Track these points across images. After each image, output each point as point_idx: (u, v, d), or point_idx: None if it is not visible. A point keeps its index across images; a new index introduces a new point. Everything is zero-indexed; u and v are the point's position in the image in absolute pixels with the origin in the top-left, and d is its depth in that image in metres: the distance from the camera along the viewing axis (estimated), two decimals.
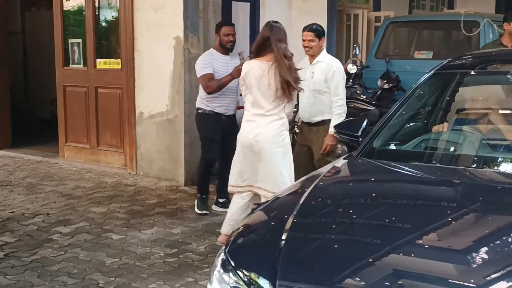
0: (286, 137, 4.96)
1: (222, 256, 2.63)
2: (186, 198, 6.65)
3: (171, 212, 6.11)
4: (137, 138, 7.64)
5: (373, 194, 3.07)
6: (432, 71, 3.84)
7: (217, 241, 5.14)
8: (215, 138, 5.99)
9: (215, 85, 5.80)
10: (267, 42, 4.85)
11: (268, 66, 4.81)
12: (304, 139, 5.67)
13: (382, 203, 2.97)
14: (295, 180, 4.33)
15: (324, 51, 5.55)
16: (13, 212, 6.09)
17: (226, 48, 6.04)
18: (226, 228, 5.08)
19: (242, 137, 5.00)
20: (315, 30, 5.48)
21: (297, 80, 4.85)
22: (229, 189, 5.17)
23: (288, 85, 4.79)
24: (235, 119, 6.19)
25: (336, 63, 5.50)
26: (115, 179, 7.47)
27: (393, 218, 2.78)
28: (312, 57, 5.51)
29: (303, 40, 5.47)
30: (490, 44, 7.29)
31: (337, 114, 5.42)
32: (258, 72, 4.85)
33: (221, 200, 6.25)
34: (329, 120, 5.47)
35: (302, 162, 5.55)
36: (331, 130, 5.33)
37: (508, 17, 6.75)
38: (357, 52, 8.52)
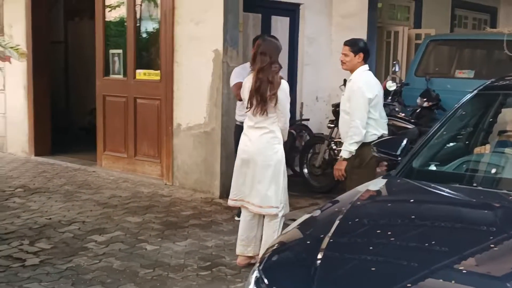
0: (279, 152, 4.86)
1: (256, 273, 2.61)
2: (221, 211, 6.64)
3: (205, 225, 6.11)
4: (174, 149, 7.68)
5: (412, 216, 3.01)
6: (475, 91, 3.77)
7: (237, 263, 5.05)
8: None
9: None
10: (255, 55, 4.89)
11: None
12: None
13: (420, 225, 2.91)
14: None
15: (360, 69, 5.19)
16: (50, 219, 6.17)
17: None
18: (239, 248, 5.03)
19: (238, 149, 5.02)
20: (350, 44, 5.23)
21: (258, 95, 4.75)
22: (228, 202, 5.17)
23: (257, 98, 4.76)
24: None
25: (358, 82, 5.10)
26: (151, 189, 7.52)
27: (431, 241, 2.72)
28: (351, 73, 5.30)
29: (341, 54, 5.37)
30: None
31: (348, 136, 5.09)
32: (248, 86, 4.89)
33: None
34: (361, 144, 5.11)
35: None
36: (340, 154, 5.18)
37: None
38: (397, 69, 8.43)
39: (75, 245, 5.40)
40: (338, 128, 7.41)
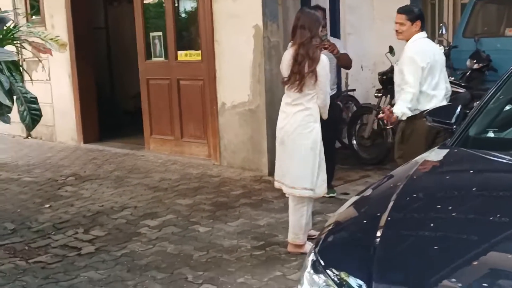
0: (314, 130, 4.64)
1: (312, 256, 2.51)
2: (270, 188, 6.54)
3: (256, 203, 6.05)
4: (220, 129, 7.63)
5: (472, 188, 2.85)
6: None
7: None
8: None
9: None
10: (295, 29, 4.69)
11: (292, 53, 4.66)
12: None
13: (481, 196, 2.77)
14: None
15: (415, 37, 4.90)
16: (102, 205, 6.22)
17: None
18: (289, 235, 4.84)
19: (277, 127, 4.87)
20: (406, 11, 4.94)
21: (298, 70, 4.55)
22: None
23: (296, 74, 4.58)
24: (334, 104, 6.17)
25: (409, 52, 4.86)
26: (200, 170, 7.50)
27: (496, 213, 2.57)
28: (407, 42, 4.98)
29: (395, 23, 5.04)
30: None
31: (403, 100, 4.80)
32: (288, 59, 4.69)
33: None
34: (412, 116, 4.85)
35: None
36: (395, 111, 4.83)
37: None
38: (444, 32, 8.14)
39: (128, 231, 5.43)
40: (385, 97, 7.27)
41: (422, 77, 4.80)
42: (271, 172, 7.04)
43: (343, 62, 6.30)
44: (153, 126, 8.63)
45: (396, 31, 4.98)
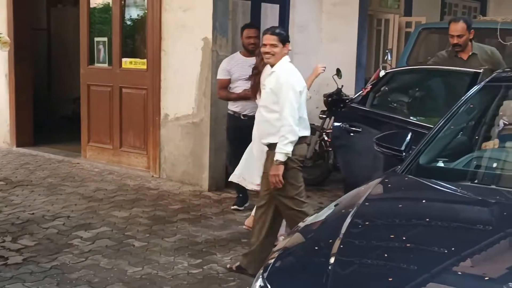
0: None
1: (259, 282, 2.41)
2: (210, 204, 6.45)
3: (194, 219, 5.91)
4: (161, 140, 7.45)
5: (424, 217, 2.82)
6: (482, 83, 3.60)
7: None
8: (230, 140, 6.35)
9: (223, 95, 6.19)
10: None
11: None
12: None
13: (433, 227, 2.75)
14: None
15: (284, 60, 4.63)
16: (33, 213, 5.93)
17: (248, 51, 6.12)
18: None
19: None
20: (278, 33, 4.54)
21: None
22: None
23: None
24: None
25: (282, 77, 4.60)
26: (138, 181, 7.30)
27: (448, 244, 2.55)
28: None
29: (263, 45, 5.00)
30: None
31: (282, 136, 4.47)
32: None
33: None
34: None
35: None
36: (276, 157, 4.45)
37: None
38: (389, 58, 8.25)
39: (59, 242, 5.18)
40: (330, 119, 7.28)
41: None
42: (211, 187, 6.96)
43: None
44: (91, 133, 8.36)
45: (266, 53, 4.54)
